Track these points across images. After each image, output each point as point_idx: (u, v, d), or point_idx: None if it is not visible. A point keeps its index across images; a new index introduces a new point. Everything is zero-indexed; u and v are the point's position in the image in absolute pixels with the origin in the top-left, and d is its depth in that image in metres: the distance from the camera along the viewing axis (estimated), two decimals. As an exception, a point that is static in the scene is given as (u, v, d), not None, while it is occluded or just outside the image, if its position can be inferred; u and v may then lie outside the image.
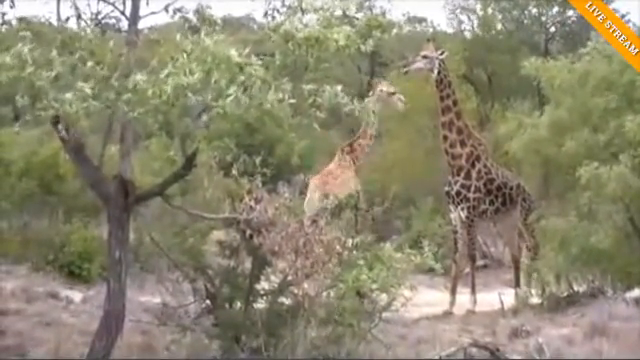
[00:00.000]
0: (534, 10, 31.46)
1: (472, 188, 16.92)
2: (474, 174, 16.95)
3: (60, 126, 8.70)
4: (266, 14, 8.93)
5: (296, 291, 9.52)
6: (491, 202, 17.15)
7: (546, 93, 16.31)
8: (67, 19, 9.02)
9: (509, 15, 31.44)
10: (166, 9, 9.01)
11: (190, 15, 9.17)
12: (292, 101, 8.16)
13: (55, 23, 9.08)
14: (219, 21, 8.99)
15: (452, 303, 16.45)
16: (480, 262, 20.46)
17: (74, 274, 16.20)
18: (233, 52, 7.94)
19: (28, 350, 10.40)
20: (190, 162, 9.22)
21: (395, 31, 9.54)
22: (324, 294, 9.50)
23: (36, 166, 18.34)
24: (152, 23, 11.90)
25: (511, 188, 17.38)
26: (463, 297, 16.64)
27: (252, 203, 9.69)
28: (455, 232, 17.15)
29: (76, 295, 14.30)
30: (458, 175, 16.94)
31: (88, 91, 7.72)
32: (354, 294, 9.46)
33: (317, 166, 23.37)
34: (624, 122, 13.79)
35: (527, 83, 18.68)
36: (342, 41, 8.46)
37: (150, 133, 10.37)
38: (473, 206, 16.87)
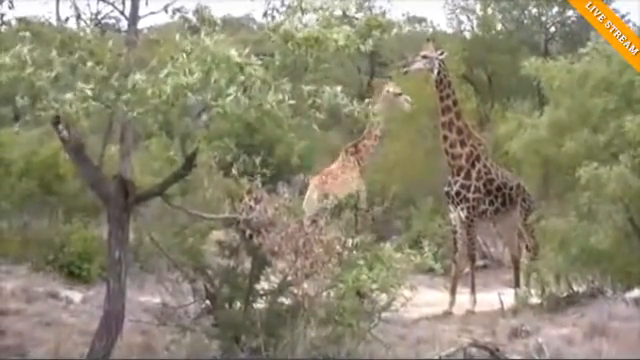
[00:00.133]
0: (534, 10, 31.44)
1: (472, 188, 16.92)
2: (474, 174, 16.95)
3: (60, 126, 8.71)
4: (265, 14, 8.93)
5: (296, 291, 9.52)
6: (491, 202, 17.15)
7: (546, 93, 16.31)
8: (66, 19, 9.03)
9: (509, 15, 31.42)
10: (165, 9, 9.01)
11: (190, 15, 9.17)
12: (292, 102, 8.16)
13: (55, 23, 9.08)
14: (219, 21, 8.98)
15: (452, 303, 16.45)
16: (480, 262, 20.46)
17: (74, 274, 16.20)
18: (233, 52, 7.95)
19: (28, 350, 10.41)
20: (190, 162, 9.23)
21: (395, 31, 9.54)
22: (324, 294, 9.50)
23: (36, 166, 18.34)
24: (152, 23, 11.93)
25: (511, 188, 17.38)
26: (463, 297, 16.64)
27: (252, 203, 9.70)
28: (455, 232, 17.15)
29: (76, 295, 14.30)
30: (458, 175, 16.94)
31: (88, 92, 7.72)
32: (354, 294, 9.46)
33: (317, 166, 23.38)
34: (623, 122, 13.79)
35: (527, 83, 18.69)
36: (342, 41, 8.46)
37: (150, 133, 10.38)
38: (473, 206, 16.87)
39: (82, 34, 8.52)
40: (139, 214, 14.13)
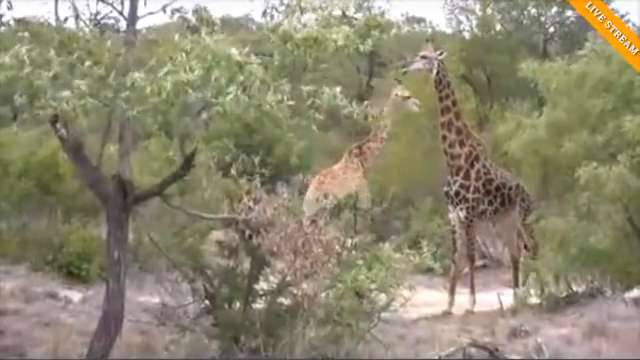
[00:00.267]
0: (533, 10, 31.47)
1: (471, 188, 16.92)
2: (473, 174, 16.96)
3: (58, 124, 8.70)
4: (265, 13, 8.92)
5: (295, 291, 9.52)
6: (490, 202, 17.15)
7: (544, 95, 16.31)
8: (65, 19, 9.02)
9: (508, 15, 31.44)
10: (164, 9, 9.01)
11: (189, 15, 9.17)
12: (291, 102, 8.16)
13: (54, 24, 9.07)
14: (218, 21, 8.98)
15: (451, 303, 16.45)
16: (479, 262, 20.47)
17: (73, 274, 16.20)
18: (234, 50, 7.95)
19: (27, 350, 10.39)
20: (189, 162, 9.22)
21: (394, 31, 9.49)
22: (323, 294, 9.50)
23: (35, 166, 18.34)
24: (151, 23, 11.91)
25: (510, 188, 17.38)
26: (462, 297, 16.64)
27: (251, 203, 9.69)
28: (454, 232, 17.15)
29: (75, 295, 14.30)
30: (457, 175, 16.95)
31: (84, 88, 7.72)
32: (353, 294, 9.46)
33: (315, 167, 23.39)
34: (622, 123, 13.79)
35: (526, 83, 18.62)
36: (341, 41, 8.46)
37: (149, 133, 10.37)
38: (472, 206, 16.87)
39: (81, 34, 8.51)
40: (138, 214, 14.13)
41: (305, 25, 8.61)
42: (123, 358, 9.67)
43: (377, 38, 8.99)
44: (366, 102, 9.05)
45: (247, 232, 9.63)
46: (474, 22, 31.64)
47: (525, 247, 17.54)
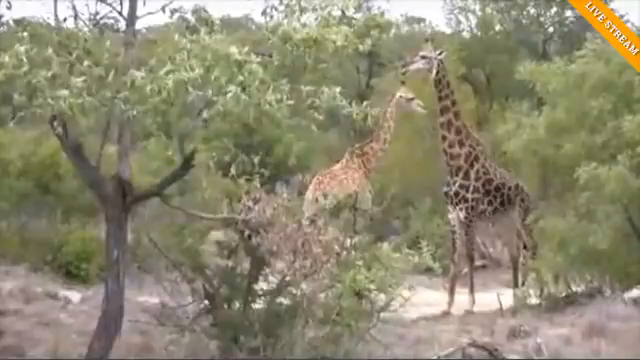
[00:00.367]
0: (532, 10, 31.42)
1: (471, 188, 16.93)
2: (472, 174, 16.97)
3: (55, 123, 8.70)
4: (264, 12, 8.92)
5: (294, 291, 9.52)
6: (489, 202, 17.17)
7: (542, 95, 16.29)
8: (65, 20, 9.02)
9: (507, 15, 31.40)
10: (163, 9, 9.00)
11: (188, 15, 9.16)
12: (290, 102, 8.16)
13: (53, 24, 9.06)
14: (217, 21, 8.98)
15: (450, 303, 16.46)
16: (478, 262, 20.48)
17: (72, 274, 16.22)
18: (233, 49, 7.96)
19: (26, 350, 10.40)
20: (188, 162, 9.22)
21: (393, 31, 9.53)
22: (322, 294, 9.50)
23: (34, 166, 18.36)
24: (150, 23, 11.90)
25: (509, 188, 17.40)
26: (461, 297, 16.65)
27: (250, 203, 9.68)
28: (454, 232, 17.16)
29: (74, 295, 14.30)
30: (457, 175, 16.95)
31: (81, 85, 7.71)
32: (352, 294, 9.46)
33: (315, 167, 23.39)
34: (622, 123, 13.78)
35: (525, 83, 18.62)
36: (340, 42, 8.47)
37: (148, 133, 10.37)
38: (472, 206, 16.88)
39: (80, 34, 8.51)
40: (137, 214, 14.14)
41: (305, 25, 8.62)
42: (122, 358, 9.67)
43: (376, 38, 9.01)
44: (365, 102, 9.05)
45: (246, 232, 9.63)
46: (473, 22, 31.58)
47: (524, 247, 17.54)
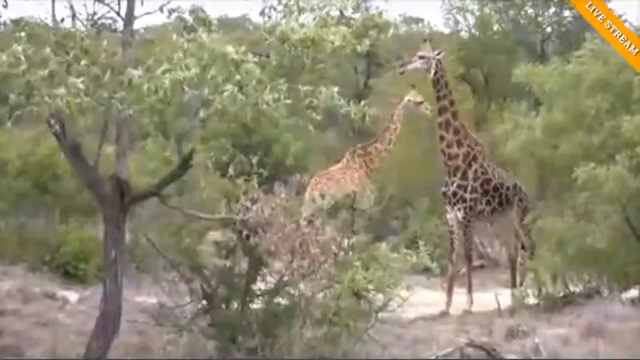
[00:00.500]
0: (530, 10, 31.41)
1: (469, 188, 16.94)
2: (471, 174, 16.97)
3: (52, 121, 8.70)
4: (263, 12, 8.92)
5: (292, 291, 9.52)
6: (488, 202, 17.17)
7: (539, 96, 16.29)
8: (62, 20, 9.02)
9: (505, 15, 31.39)
10: (161, 9, 9.00)
11: (186, 15, 9.15)
12: (288, 102, 8.16)
13: (51, 24, 9.06)
14: (215, 21, 8.97)
15: (448, 303, 16.47)
16: (476, 262, 20.46)
17: (70, 274, 16.21)
18: (230, 48, 7.96)
19: (25, 350, 10.39)
20: (186, 162, 9.22)
21: (391, 31, 9.51)
22: (320, 294, 9.50)
23: (32, 166, 18.35)
24: (148, 23, 11.91)
25: (508, 188, 17.40)
26: (459, 297, 16.66)
27: (248, 203, 9.68)
28: (452, 232, 17.17)
29: (72, 295, 14.30)
30: (455, 175, 16.96)
31: (80, 86, 7.72)
32: (350, 294, 9.46)
33: (313, 167, 23.38)
34: (620, 123, 13.78)
35: (523, 83, 18.63)
36: (338, 42, 8.47)
37: (146, 133, 10.37)
38: (470, 206, 16.88)
39: (77, 33, 8.51)
40: (135, 214, 14.12)
41: (303, 25, 8.62)
42: (120, 358, 9.68)
43: (375, 38, 9.01)
44: (363, 102, 9.05)
45: (244, 232, 9.63)
46: (472, 22, 31.58)
47: (522, 247, 17.54)
